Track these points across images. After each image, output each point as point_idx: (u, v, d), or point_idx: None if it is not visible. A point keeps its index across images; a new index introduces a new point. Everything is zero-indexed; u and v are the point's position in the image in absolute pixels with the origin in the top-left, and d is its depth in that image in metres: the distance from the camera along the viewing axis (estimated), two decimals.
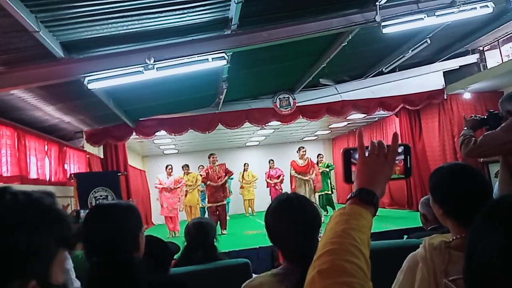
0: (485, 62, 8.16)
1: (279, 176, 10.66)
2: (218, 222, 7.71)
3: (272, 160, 11.01)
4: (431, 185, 1.43)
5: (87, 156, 7.16)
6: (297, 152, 8.63)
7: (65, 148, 6.33)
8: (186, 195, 8.82)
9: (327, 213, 9.27)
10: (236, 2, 3.72)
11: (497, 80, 7.54)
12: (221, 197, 8.18)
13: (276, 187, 10.40)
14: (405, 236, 3.03)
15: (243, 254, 3.23)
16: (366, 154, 0.88)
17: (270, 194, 10.55)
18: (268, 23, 4.48)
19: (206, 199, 8.31)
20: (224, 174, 8.30)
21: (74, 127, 6.93)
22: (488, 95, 8.27)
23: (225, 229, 8.03)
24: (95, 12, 3.55)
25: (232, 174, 8.68)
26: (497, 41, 7.75)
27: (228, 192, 8.53)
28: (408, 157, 0.94)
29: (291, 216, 1.36)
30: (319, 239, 1.45)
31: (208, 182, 8.19)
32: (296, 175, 8.47)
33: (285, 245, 1.37)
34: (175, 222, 8.65)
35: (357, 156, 0.90)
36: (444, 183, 1.38)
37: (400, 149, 0.91)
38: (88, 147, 7.39)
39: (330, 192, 9.60)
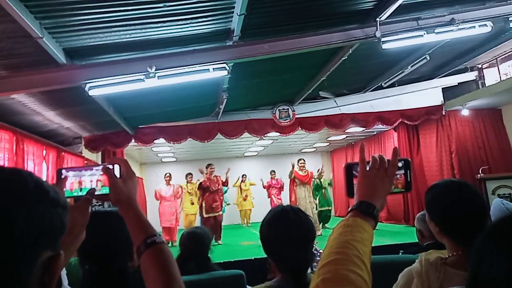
0: (484, 79, 8.24)
1: (281, 187, 10.60)
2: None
3: (274, 171, 10.97)
4: (427, 202, 1.43)
5: (85, 162, 7.13)
6: (297, 164, 8.85)
7: (63, 153, 6.31)
8: (192, 203, 8.81)
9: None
10: (238, 14, 3.76)
11: (495, 98, 7.61)
12: (218, 206, 8.20)
13: (275, 198, 10.35)
14: (401, 251, 3.02)
15: (238, 265, 3.20)
16: (367, 168, 0.90)
17: (271, 205, 10.52)
18: (269, 35, 4.52)
19: (204, 210, 8.26)
20: (220, 182, 8.38)
21: (73, 133, 6.93)
22: (486, 113, 8.34)
23: (220, 239, 8.00)
24: (99, 20, 3.58)
25: (227, 183, 8.73)
26: (495, 60, 7.84)
27: (223, 202, 8.50)
28: (408, 171, 0.96)
29: (286, 228, 1.36)
30: (315, 251, 1.46)
31: (207, 194, 8.19)
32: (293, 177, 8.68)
33: (279, 256, 1.37)
34: (173, 232, 8.59)
35: (358, 169, 0.92)
36: (440, 201, 1.38)
37: (400, 164, 0.94)
38: (87, 153, 7.36)
39: (330, 208, 9.67)
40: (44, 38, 3.43)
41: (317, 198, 9.38)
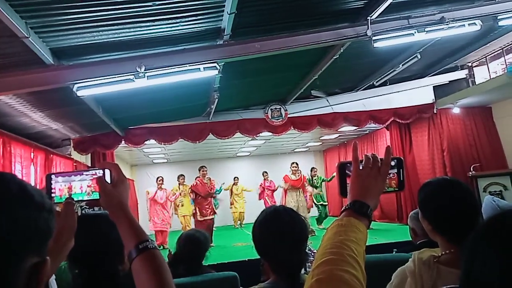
0: (474, 78, 8.33)
1: (274, 189, 10.43)
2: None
3: (266, 172, 10.87)
4: (419, 200, 1.44)
5: (74, 164, 7.04)
6: (289, 167, 8.81)
7: (51, 155, 6.21)
8: (182, 205, 8.72)
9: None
10: (229, 12, 3.73)
11: (485, 96, 7.69)
12: (211, 210, 8.16)
13: (269, 200, 10.24)
14: (395, 250, 3.01)
15: (231, 267, 3.17)
16: (360, 167, 0.90)
17: (265, 207, 10.35)
18: (260, 34, 4.50)
19: (198, 213, 8.19)
20: (214, 187, 8.32)
21: (61, 135, 6.83)
22: (477, 110, 8.43)
23: (211, 242, 7.95)
24: (86, 19, 3.53)
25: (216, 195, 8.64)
26: (485, 58, 7.92)
27: (213, 209, 8.43)
28: (401, 170, 0.96)
29: (278, 228, 1.36)
30: (308, 252, 1.44)
31: (199, 197, 8.13)
32: (287, 187, 8.55)
33: (272, 257, 1.36)
34: (164, 236, 8.51)
35: (351, 169, 0.92)
36: (433, 200, 1.38)
37: (393, 163, 0.94)
38: (76, 155, 7.27)
39: (326, 203, 9.66)
40: (30, 37, 3.38)
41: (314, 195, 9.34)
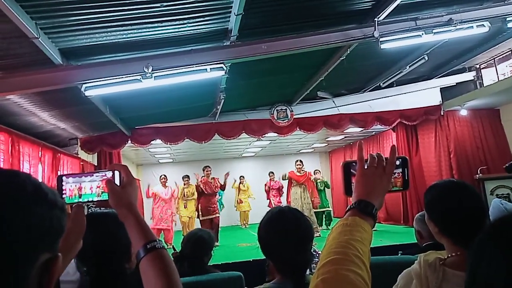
0: (482, 79, 8.25)
1: (279, 188, 10.40)
2: None
3: (272, 173, 10.86)
4: (426, 202, 1.43)
5: (81, 163, 7.10)
6: (294, 165, 8.85)
7: (59, 154, 6.28)
8: (185, 207, 8.75)
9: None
10: (236, 14, 3.74)
11: (493, 98, 7.62)
12: (215, 209, 8.18)
13: (273, 199, 10.22)
14: (400, 252, 3.00)
15: (236, 267, 3.18)
16: (365, 167, 0.90)
17: (269, 207, 10.40)
18: (267, 35, 4.51)
19: (200, 213, 8.22)
20: (218, 185, 8.35)
21: (69, 134, 6.90)
22: (484, 113, 8.35)
23: (217, 240, 7.96)
24: (95, 20, 3.56)
25: (224, 187, 8.65)
26: (493, 60, 7.85)
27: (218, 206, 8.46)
28: (406, 169, 0.96)
29: (284, 228, 1.36)
30: (313, 252, 1.44)
31: (204, 196, 8.15)
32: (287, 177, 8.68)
33: (278, 257, 1.36)
34: (169, 234, 8.54)
35: (356, 168, 0.92)
36: (440, 201, 1.38)
37: (397, 162, 0.94)
38: (83, 154, 7.33)
39: (330, 208, 9.63)
40: (40, 38, 3.42)
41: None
